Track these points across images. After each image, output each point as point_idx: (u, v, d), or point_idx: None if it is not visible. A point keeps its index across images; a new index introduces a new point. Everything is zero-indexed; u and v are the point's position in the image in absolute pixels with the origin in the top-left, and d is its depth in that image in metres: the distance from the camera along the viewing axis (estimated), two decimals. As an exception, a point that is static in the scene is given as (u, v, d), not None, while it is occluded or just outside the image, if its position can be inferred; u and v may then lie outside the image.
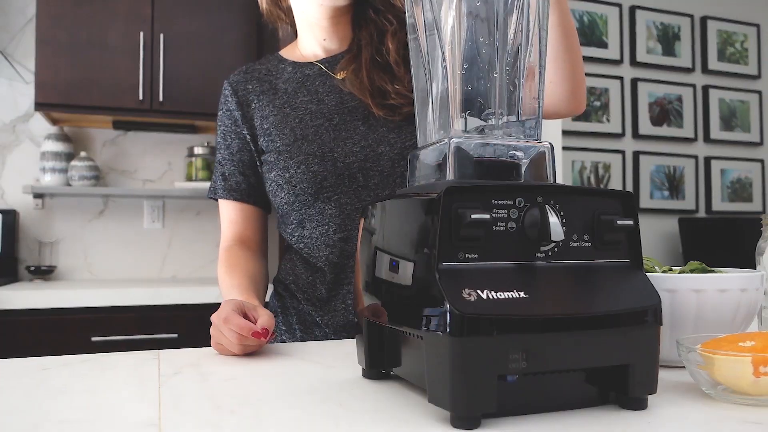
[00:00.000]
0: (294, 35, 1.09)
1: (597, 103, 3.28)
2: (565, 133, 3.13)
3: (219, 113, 1.06)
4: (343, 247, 0.95)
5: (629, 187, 3.34)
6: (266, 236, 1.09)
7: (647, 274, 0.53)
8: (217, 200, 1.08)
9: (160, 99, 2.29)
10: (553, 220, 0.47)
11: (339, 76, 1.00)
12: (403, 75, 0.96)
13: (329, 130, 0.96)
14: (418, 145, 0.59)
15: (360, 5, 1.01)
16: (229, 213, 1.06)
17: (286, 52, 1.08)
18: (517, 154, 0.54)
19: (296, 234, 0.99)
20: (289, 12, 1.05)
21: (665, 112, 3.43)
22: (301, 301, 1.00)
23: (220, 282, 1.01)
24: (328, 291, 0.97)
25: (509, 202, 0.47)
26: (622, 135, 3.34)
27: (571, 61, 0.88)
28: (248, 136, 1.02)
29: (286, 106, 1.00)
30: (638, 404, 0.48)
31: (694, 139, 3.50)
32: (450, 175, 0.50)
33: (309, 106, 0.99)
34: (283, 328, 1.03)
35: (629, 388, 0.47)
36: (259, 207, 1.06)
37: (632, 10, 3.39)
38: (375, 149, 0.95)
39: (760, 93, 3.64)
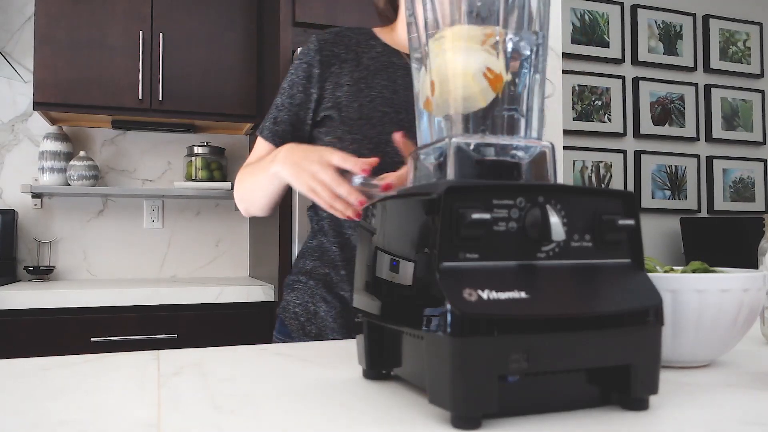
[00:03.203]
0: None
1: (598, 103, 3.28)
2: (567, 132, 3.13)
3: (296, 62, 1.06)
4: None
5: (631, 187, 3.34)
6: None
7: (649, 274, 0.52)
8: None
9: (160, 98, 2.29)
10: (554, 219, 0.46)
11: None
12: None
13: (393, 123, 0.99)
14: (418, 145, 0.58)
15: None
16: (266, 152, 1.06)
17: (380, 32, 1.10)
18: (518, 153, 0.53)
19: (323, 212, 1.03)
20: (397, 8, 1.10)
21: (667, 112, 3.43)
22: (326, 273, 1.05)
23: (247, 176, 1.03)
24: (345, 264, 1.02)
25: (510, 202, 0.47)
26: (623, 134, 3.34)
27: None
28: (314, 95, 1.03)
29: (363, 82, 1.02)
30: (640, 405, 0.48)
31: (696, 139, 3.49)
32: (451, 174, 0.50)
33: (383, 92, 1.02)
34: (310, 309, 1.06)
35: (631, 389, 0.47)
36: None
37: (634, 8, 3.38)
38: None
39: (762, 92, 3.64)
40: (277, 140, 1.05)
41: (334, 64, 1.04)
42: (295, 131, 1.05)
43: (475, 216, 0.44)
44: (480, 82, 0.52)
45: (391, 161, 0.95)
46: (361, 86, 1.02)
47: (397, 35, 1.09)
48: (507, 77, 0.53)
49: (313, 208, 1.10)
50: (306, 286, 1.07)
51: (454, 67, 0.53)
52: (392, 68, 1.04)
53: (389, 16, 1.13)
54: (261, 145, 1.08)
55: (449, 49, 0.53)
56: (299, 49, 1.05)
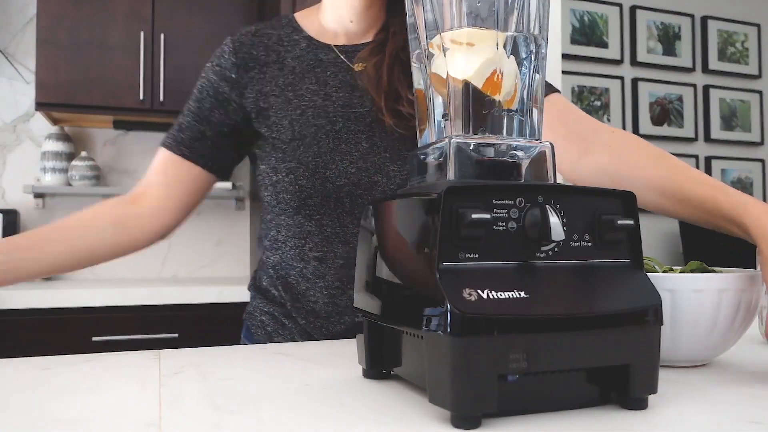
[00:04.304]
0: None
1: (597, 103, 3.28)
2: (566, 132, 3.13)
3: (207, 65, 0.95)
4: (317, 267, 0.89)
5: (630, 187, 3.34)
6: (196, 201, 0.97)
7: (648, 273, 0.52)
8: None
9: (161, 99, 2.29)
10: (554, 219, 0.47)
11: (357, 68, 0.91)
12: None
13: (329, 137, 0.88)
14: (418, 145, 0.59)
15: None
16: (165, 164, 0.94)
17: (303, 18, 0.97)
18: (518, 153, 0.54)
19: (271, 233, 0.94)
20: None
21: (666, 112, 3.43)
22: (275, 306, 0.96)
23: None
24: (292, 303, 0.92)
25: (510, 202, 0.47)
26: (622, 135, 3.34)
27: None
28: (233, 102, 0.92)
29: (290, 90, 0.91)
30: (639, 404, 0.48)
31: (695, 139, 3.50)
32: (450, 174, 0.50)
33: (314, 98, 0.90)
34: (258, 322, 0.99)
35: (630, 388, 0.47)
36: (207, 170, 0.95)
37: (633, 9, 3.38)
38: (371, 177, 0.88)
39: (760, 93, 3.64)
40: (183, 149, 0.92)
41: (253, 68, 0.92)
42: (206, 139, 0.93)
43: (475, 216, 0.44)
44: (486, 70, 0.52)
45: (333, 186, 0.87)
46: (288, 95, 0.90)
47: (323, 17, 0.95)
48: (504, 89, 0.53)
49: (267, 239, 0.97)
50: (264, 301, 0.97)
51: (462, 58, 0.53)
52: (320, 67, 0.91)
53: None
54: (161, 155, 0.94)
55: (459, 46, 0.53)
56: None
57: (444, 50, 0.54)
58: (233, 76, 0.92)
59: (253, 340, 0.97)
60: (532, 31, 0.55)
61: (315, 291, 0.91)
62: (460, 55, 0.53)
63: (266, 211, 0.95)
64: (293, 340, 0.93)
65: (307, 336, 0.93)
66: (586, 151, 0.84)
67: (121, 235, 0.91)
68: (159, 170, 0.94)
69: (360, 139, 0.89)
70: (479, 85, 0.53)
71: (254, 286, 1.00)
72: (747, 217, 0.65)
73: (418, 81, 0.59)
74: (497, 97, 0.53)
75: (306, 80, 0.91)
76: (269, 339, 0.95)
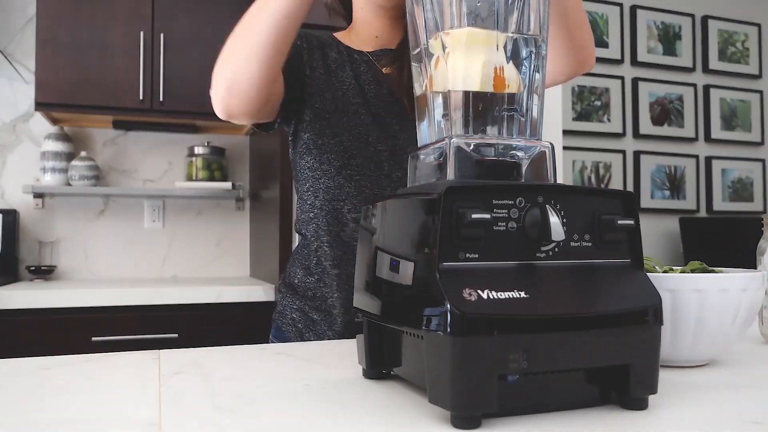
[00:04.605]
0: (342, 27, 1.13)
1: (597, 103, 3.28)
2: (566, 132, 3.13)
3: None
4: (354, 228, 0.96)
5: (630, 187, 3.34)
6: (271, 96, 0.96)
7: (648, 274, 0.52)
8: None
9: (161, 99, 2.29)
10: (554, 219, 0.47)
11: (384, 70, 1.03)
12: None
13: (368, 113, 0.99)
14: (419, 144, 0.59)
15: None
16: None
17: (339, 36, 1.10)
18: (518, 153, 0.54)
19: (308, 202, 1.00)
20: (348, 5, 1.10)
21: (666, 112, 3.43)
22: (304, 300, 1.01)
23: (235, 30, 0.86)
24: (333, 267, 0.97)
25: (510, 202, 0.47)
26: (622, 135, 3.34)
27: (573, 33, 0.93)
28: (304, 56, 1.00)
29: (331, 73, 1.01)
30: (639, 404, 0.48)
31: (695, 139, 3.49)
32: (450, 174, 0.50)
33: (352, 82, 1.01)
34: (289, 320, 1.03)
35: (630, 388, 0.47)
36: (280, 85, 0.95)
37: (633, 9, 3.38)
38: (405, 149, 0.97)
39: (761, 93, 3.64)
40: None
41: (312, 43, 1.03)
42: (289, 67, 0.95)
43: (475, 216, 0.44)
44: (487, 69, 0.52)
45: (375, 150, 0.96)
46: (330, 78, 1.01)
47: (355, 36, 1.08)
48: (510, 88, 0.54)
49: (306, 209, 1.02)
50: (295, 298, 1.03)
51: (463, 57, 0.53)
52: (355, 63, 1.04)
53: (337, 10, 1.12)
54: None
55: (459, 46, 0.53)
56: None
57: (444, 50, 0.54)
58: (304, 45, 1.02)
59: (284, 339, 1.02)
60: (532, 31, 0.55)
61: (354, 255, 0.93)
62: (460, 56, 0.53)
63: (305, 179, 1.00)
64: (325, 334, 0.99)
65: (341, 328, 0.97)
66: None
67: None
68: None
69: (391, 122, 1.00)
70: (483, 85, 0.53)
71: (285, 283, 1.06)
72: None
73: (417, 80, 0.59)
74: (506, 91, 0.53)
75: (345, 69, 1.03)
76: (300, 336, 1.00)
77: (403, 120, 1.00)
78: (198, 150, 2.53)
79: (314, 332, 1.00)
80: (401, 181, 0.96)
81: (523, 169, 0.54)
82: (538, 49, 0.56)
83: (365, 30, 1.07)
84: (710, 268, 0.65)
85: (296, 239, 1.98)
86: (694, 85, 3.49)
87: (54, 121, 2.45)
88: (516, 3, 0.54)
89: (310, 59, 1.02)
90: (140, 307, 2.00)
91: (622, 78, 3.34)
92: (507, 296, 0.44)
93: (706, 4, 3.54)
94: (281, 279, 1.09)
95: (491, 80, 0.53)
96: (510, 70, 0.54)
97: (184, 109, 2.33)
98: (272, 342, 1.05)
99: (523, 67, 0.55)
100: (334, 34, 1.10)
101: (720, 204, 3.51)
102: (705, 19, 3.53)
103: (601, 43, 3.30)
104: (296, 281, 1.03)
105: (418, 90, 0.59)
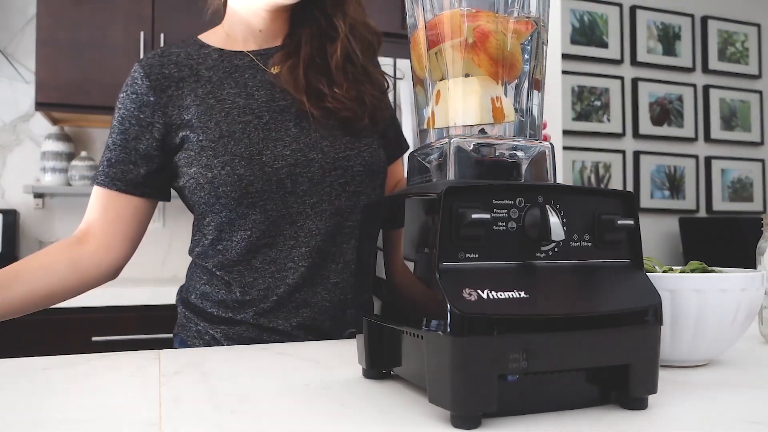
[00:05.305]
0: (216, 20, 1.03)
1: (597, 103, 3.28)
2: (566, 132, 3.13)
3: (121, 95, 0.94)
4: (267, 253, 0.90)
5: (630, 187, 3.34)
6: (142, 229, 0.99)
7: (648, 273, 0.53)
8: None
9: (161, 99, 2.29)
10: (554, 219, 0.47)
11: (273, 71, 0.94)
12: (342, 82, 0.92)
13: (258, 129, 0.89)
14: (418, 144, 0.59)
15: (305, 5, 0.95)
16: (102, 201, 0.94)
17: (208, 38, 1.00)
18: (518, 153, 0.54)
19: (210, 237, 0.92)
20: None
21: (666, 112, 3.43)
22: (202, 320, 0.96)
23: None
24: (242, 294, 0.91)
25: (510, 202, 0.47)
26: (622, 135, 3.34)
27: None
28: (158, 125, 0.91)
29: (211, 97, 0.91)
30: (639, 404, 0.48)
31: (695, 139, 3.50)
32: (450, 174, 0.50)
33: (237, 100, 0.91)
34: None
35: (630, 388, 0.47)
36: (147, 197, 0.96)
37: (633, 9, 3.39)
38: (306, 154, 0.89)
39: (760, 93, 3.64)
40: (117, 183, 0.92)
41: (169, 87, 0.92)
42: (138, 168, 0.92)
43: (475, 216, 0.44)
44: (485, 102, 0.53)
45: (271, 170, 0.87)
46: (210, 102, 0.91)
47: (231, 29, 0.98)
48: (509, 118, 0.54)
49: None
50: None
51: (463, 82, 0.53)
52: (237, 72, 0.94)
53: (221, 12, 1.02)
54: (97, 193, 0.94)
55: (454, 86, 0.53)
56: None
57: (441, 94, 0.53)
58: (152, 99, 0.92)
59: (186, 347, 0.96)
60: (533, 13, 0.55)
61: (265, 278, 0.90)
62: (457, 96, 0.53)
63: (203, 215, 0.93)
64: (236, 343, 0.92)
65: (256, 330, 0.91)
66: None
67: (76, 276, 0.93)
68: (98, 209, 0.94)
69: (288, 126, 0.92)
70: (483, 120, 0.53)
71: (182, 300, 1.02)
72: None
73: (417, 80, 0.59)
74: (505, 122, 0.53)
75: (225, 86, 0.93)
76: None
77: (302, 120, 0.91)
78: (198, 150, 2.52)
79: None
80: (308, 194, 0.89)
81: (523, 169, 0.54)
82: (538, 49, 0.56)
83: (244, 25, 0.97)
84: (710, 268, 0.66)
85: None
86: (694, 86, 3.50)
87: (54, 121, 2.45)
88: (516, 2, 0.54)
89: (176, 101, 0.91)
90: (140, 307, 2.00)
91: (621, 78, 3.34)
92: (507, 296, 0.44)
93: (705, 4, 3.55)
94: (178, 295, 1.05)
95: (492, 106, 0.53)
96: (507, 103, 0.54)
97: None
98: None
99: (523, 68, 0.55)
100: (200, 38, 1.00)
101: (719, 204, 3.51)
102: (705, 19, 3.53)
103: (601, 43, 3.30)
104: (194, 300, 0.99)
105: (418, 90, 0.59)
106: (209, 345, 0.93)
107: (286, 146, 0.90)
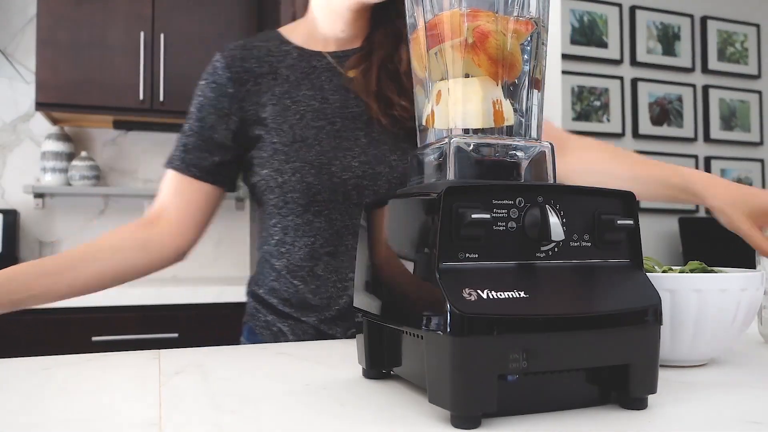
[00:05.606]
0: (295, 16, 1.02)
1: (597, 103, 3.28)
2: (566, 132, 3.13)
3: (201, 83, 0.96)
4: (329, 261, 0.91)
5: (629, 187, 3.34)
6: (210, 217, 0.99)
7: (647, 273, 0.53)
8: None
9: (161, 99, 2.29)
10: (554, 219, 0.47)
11: (349, 74, 0.95)
12: (409, 89, 0.91)
13: (330, 136, 0.91)
14: (418, 145, 0.59)
15: (386, 4, 0.94)
16: (176, 185, 0.95)
17: (289, 32, 1.00)
18: (518, 153, 0.54)
19: (276, 238, 0.94)
20: None
21: (665, 112, 3.43)
22: (272, 312, 0.96)
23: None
24: (307, 300, 0.92)
25: (509, 202, 0.47)
26: (622, 135, 3.34)
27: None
28: (234, 117, 0.93)
29: (287, 97, 0.93)
30: (639, 404, 0.48)
31: (695, 139, 3.50)
32: (450, 174, 0.50)
33: (311, 103, 0.93)
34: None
35: (630, 388, 0.47)
36: (219, 185, 0.97)
37: (632, 10, 3.39)
38: (374, 168, 0.91)
39: (760, 93, 3.64)
40: (192, 169, 0.94)
41: (249, 81, 0.93)
42: (212, 156, 0.94)
43: (475, 216, 0.44)
44: (487, 105, 0.53)
45: (339, 181, 0.89)
46: (286, 103, 0.92)
47: (313, 27, 0.98)
48: (509, 121, 0.54)
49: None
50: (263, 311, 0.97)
51: (463, 83, 0.53)
52: (315, 74, 0.94)
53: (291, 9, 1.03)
54: (172, 177, 0.95)
55: (454, 88, 0.53)
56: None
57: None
58: (231, 90, 0.93)
59: (256, 341, 0.97)
60: (533, 13, 0.55)
61: (327, 287, 0.92)
62: (457, 98, 0.53)
63: (270, 216, 0.95)
64: (300, 339, 0.94)
65: (317, 332, 0.93)
66: (561, 154, 0.90)
67: (145, 257, 0.94)
68: (172, 192, 0.96)
69: (359, 135, 0.92)
70: (485, 124, 0.53)
71: (252, 293, 1.01)
72: (696, 185, 0.92)
73: (417, 80, 0.59)
74: (504, 125, 0.53)
75: (302, 87, 0.94)
76: (275, 339, 0.95)
77: (372, 130, 0.92)
78: (198, 150, 2.52)
79: (294, 335, 0.95)
80: None
81: (523, 169, 0.54)
82: (538, 49, 0.56)
83: (327, 23, 0.96)
84: (710, 268, 0.66)
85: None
86: (694, 86, 3.50)
87: (54, 121, 2.45)
88: (516, 2, 0.54)
89: (253, 96, 0.93)
90: (140, 307, 2.00)
91: (621, 78, 3.34)
92: (507, 296, 0.44)
93: (705, 4, 3.55)
94: (247, 288, 1.03)
95: (492, 108, 0.53)
96: (507, 107, 0.54)
97: (185, 109, 2.29)
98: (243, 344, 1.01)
99: (523, 68, 0.55)
100: (280, 31, 0.99)
101: (720, 204, 3.50)
102: (704, 19, 3.53)
103: (600, 43, 3.30)
104: (262, 294, 0.98)
105: (418, 90, 0.59)
106: (277, 336, 0.95)
107: (355, 157, 0.91)
